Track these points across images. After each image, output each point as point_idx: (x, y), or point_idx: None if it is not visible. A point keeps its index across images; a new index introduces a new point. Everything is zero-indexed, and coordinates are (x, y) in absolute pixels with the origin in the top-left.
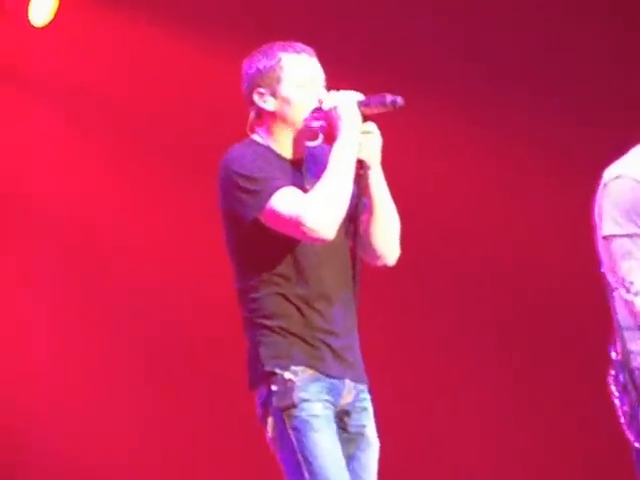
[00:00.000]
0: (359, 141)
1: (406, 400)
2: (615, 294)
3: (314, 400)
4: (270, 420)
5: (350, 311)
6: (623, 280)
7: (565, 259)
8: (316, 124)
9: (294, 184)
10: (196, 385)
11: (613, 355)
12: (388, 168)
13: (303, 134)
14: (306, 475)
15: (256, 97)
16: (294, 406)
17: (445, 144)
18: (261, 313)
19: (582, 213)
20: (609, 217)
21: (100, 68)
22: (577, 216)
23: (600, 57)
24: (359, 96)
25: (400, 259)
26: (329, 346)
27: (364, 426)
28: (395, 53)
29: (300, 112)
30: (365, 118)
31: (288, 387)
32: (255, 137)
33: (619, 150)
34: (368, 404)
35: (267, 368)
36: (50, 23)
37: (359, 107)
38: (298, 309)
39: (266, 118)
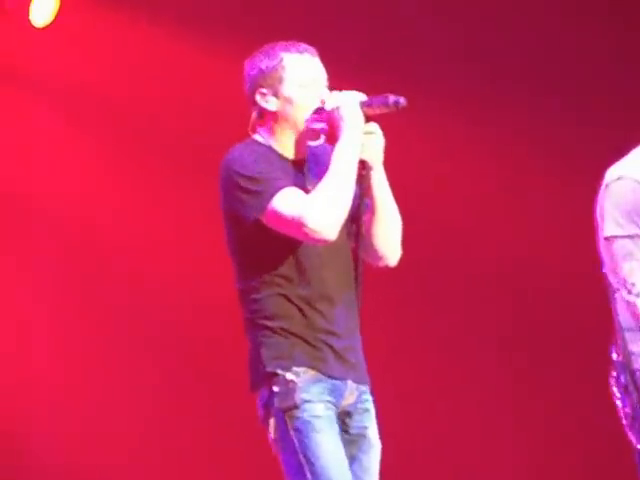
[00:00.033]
0: (361, 142)
1: (408, 401)
2: (616, 295)
3: (316, 401)
4: (272, 421)
5: (352, 312)
6: (625, 281)
7: (567, 259)
8: (318, 126)
9: (296, 184)
10: (196, 385)
11: (614, 356)
12: (389, 169)
13: (305, 134)
14: (308, 476)
15: (258, 97)
16: (296, 407)
17: (446, 144)
18: (263, 314)
19: (583, 213)
20: (610, 218)
21: (101, 68)
22: (578, 216)
23: (601, 57)
24: (362, 96)
25: (401, 259)
26: (331, 347)
27: (366, 427)
28: (396, 53)
29: (302, 112)
30: (368, 119)
31: (290, 388)
32: (257, 137)
33: (620, 150)
34: (370, 405)
35: (269, 369)
36: (51, 23)
37: (362, 108)
38: (300, 310)
39: (268, 118)
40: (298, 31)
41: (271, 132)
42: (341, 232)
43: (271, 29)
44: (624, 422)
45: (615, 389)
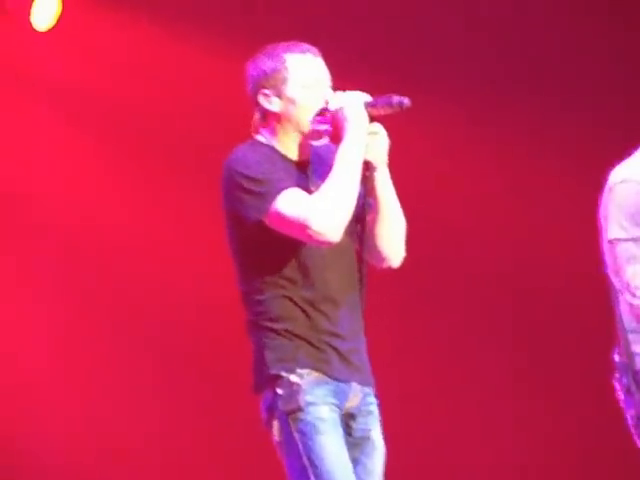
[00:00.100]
0: (366, 142)
1: (410, 401)
2: (620, 297)
3: (320, 403)
4: (275, 424)
5: (356, 314)
6: (628, 285)
7: (570, 260)
8: (322, 127)
9: (299, 186)
10: (197, 385)
11: (617, 358)
12: (392, 169)
13: (308, 135)
14: (312, 479)
15: (261, 98)
16: (300, 409)
17: (448, 144)
18: (267, 316)
19: (587, 213)
20: (614, 221)
21: (101, 69)
22: (582, 216)
23: (604, 56)
24: (366, 97)
25: (404, 260)
26: (335, 349)
27: (370, 430)
28: (399, 53)
29: (306, 113)
30: (372, 119)
31: (294, 390)
32: (259, 138)
33: (623, 150)
34: (374, 408)
35: (272, 371)
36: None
37: (366, 108)
38: (304, 312)
39: (271, 119)
40: (300, 31)
41: (274, 133)
42: (345, 233)
43: (273, 29)
44: (629, 423)
45: (619, 391)
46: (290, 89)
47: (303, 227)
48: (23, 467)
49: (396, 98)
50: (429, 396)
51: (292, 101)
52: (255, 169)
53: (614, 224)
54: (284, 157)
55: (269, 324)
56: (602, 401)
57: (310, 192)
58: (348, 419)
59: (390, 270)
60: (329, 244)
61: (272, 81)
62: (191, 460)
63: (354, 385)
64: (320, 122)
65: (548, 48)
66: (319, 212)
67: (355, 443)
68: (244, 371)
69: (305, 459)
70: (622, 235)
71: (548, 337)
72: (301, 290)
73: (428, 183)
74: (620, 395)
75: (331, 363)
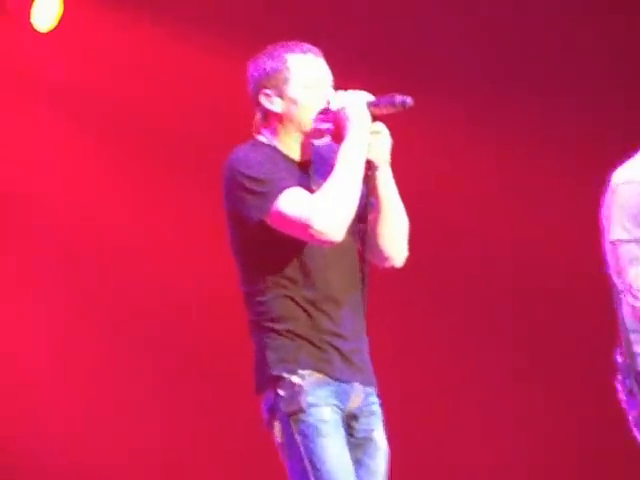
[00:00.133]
0: (368, 141)
1: (410, 401)
2: (621, 297)
3: (322, 405)
4: (277, 425)
5: (358, 314)
6: (630, 286)
7: (570, 260)
8: (324, 126)
9: (301, 185)
10: (197, 385)
11: (619, 359)
12: (394, 168)
13: (310, 135)
14: None
15: (262, 98)
16: (301, 411)
17: (449, 144)
18: (268, 316)
19: (587, 213)
20: (617, 222)
21: (102, 69)
22: (582, 216)
23: (606, 56)
24: (368, 96)
25: (406, 260)
26: (337, 349)
27: (372, 430)
28: (401, 53)
29: (308, 113)
30: (374, 118)
31: (295, 391)
32: (261, 138)
33: (624, 150)
34: (377, 408)
35: (274, 372)
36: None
37: (368, 107)
38: (305, 311)
39: (272, 120)
40: (300, 31)
41: (275, 133)
42: (347, 232)
43: (273, 29)
44: (631, 424)
45: (621, 392)
46: (292, 89)
47: (305, 226)
48: (23, 467)
49: (399, 97)
50: (429, 396)
51: (294, 101)
52: (257, 169)
53: (617, 225)
54: (286, 157)
55: (271, 324)
56: (602, 401)
57: (312, 192)
58: (350, 420)
59: (390, 270)
60: (331, 243)
61: (273, 81)
62: (191, 460)
63: (356, 385)
64: (322, 121)
65: (548, 48)
66: (321, 211)
67: (358, 444)
68: (244, 371)
69: (306, 461)
70: (625, 236)
71: (548, 337)
72: (303, 290)
73: (428, 183)
74: (622, 396)
75: (333, 363)
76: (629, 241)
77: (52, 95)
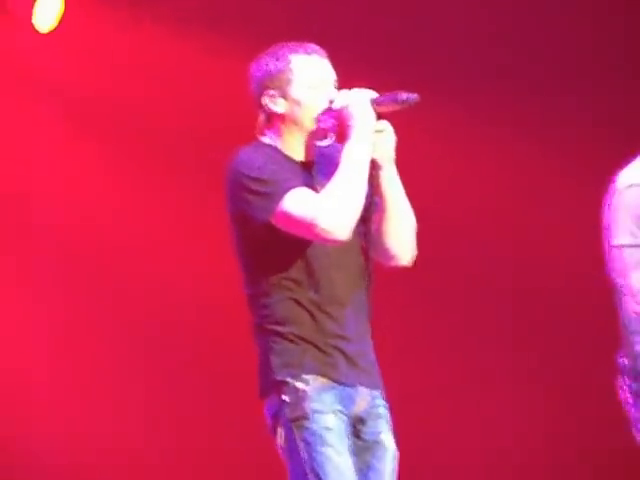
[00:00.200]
0: (372, 140)
1: (410, 401)
2: (623, 298)
3: (326, 411)
4: (280, 431)
5: (362, 315)
6: (632, 291)
7: (573, 260)
8: (328, 123)
9: (305, 186)
10: (197, 385)
11: (621, 360)
12: (398, 167)
13: (314, 135)
14: None
15: (266, 99)
16: (305, 417)
17: (450, 144)
18: (272, 319)
19: (590, 213)
20: (621, 226)
21: (103, 69)
22: (584, 216)
23: (612, 56)
24: (372, 94)
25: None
26: (342, 352)
27: (380, 433)
28: (407, 52)
29: (311, 114)
30: (379, 116)
31: (299, 397)
32: (264, 139)
33: (627, 150)
34: (384, 411)
35: (278, 377)
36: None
37: (372, 105)
38: (310, 314)
39: (276, 120)
40: (303, 31)
41: (279, 134)
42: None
43: (276, 29)
44: (634, 425)
45: (622, 394)
46: (295, 90)
47: (311, 226)
48: (23, 467)
49: (403, 94)
50: (429, 396)
51: (297, 102)
52: (261, 170)
53: (621, 229)
54: (289, 158)
55: (275, 327)
56: (603, 401)
57: (316, 192)
58: (357, 423)
59: (390, 270)
60: (338, 242)
61: (277, 82)
62: (191, 460)
63: (361, 389)
64: (326, 118)
65: (559, 47)
66: (326, 210)
67: (366, 447)
68: (244, 371)
69: (308, 469)
70: (629, 241)
71: (548, 337)
72: (307, 292)
73: (427, 183)
74: (624, 398)
75: (338, 367)
76: (633, 246)
77: (52, 95)
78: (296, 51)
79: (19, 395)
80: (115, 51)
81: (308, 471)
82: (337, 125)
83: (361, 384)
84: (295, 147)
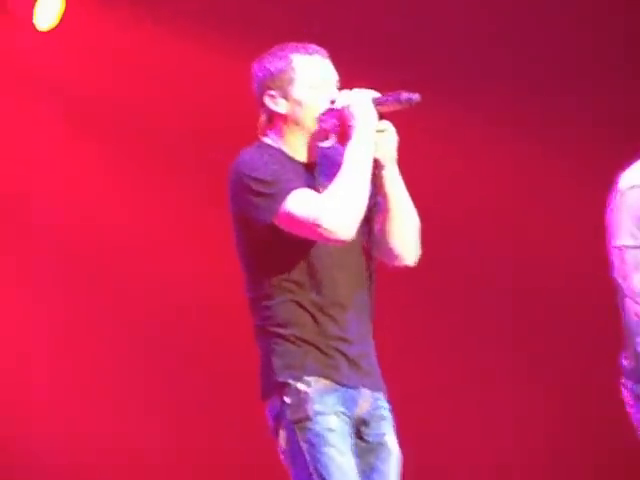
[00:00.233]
0: (375, 139)
1: (410, 401)
2: (626, 299)
3: (329, 413)
4: (282, 433)
5: (364, 316)
6: (633, 293)
7: (573, 260)
8: (330, 123)
9: (308, 186)
10: (197, 385)
11: (624, 362)
12: (399, 167)
13: (315, 136)
14: None
15: (267, 99)
16: (308, 419)
17: (450, 144)
18: (275, 321)
19: (590, 213)
20: (624, 227)
21: (103, 69)
22: (585, 216)
23: (616, 57)
24: (374, 94)
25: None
26: (344, 354)
27: (383, 434)
28: (408, 52)
29: (312, 114)
30: (381, 116)
31: (302, 399)
32: (266, 140)
33: (627, 150)
34: (387, 412)
35: (280, 379)
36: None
37: (374, 105)
38: (312, 316)
39: (277, 121)
40: (303, 30)
41: (281, 135)
42: None
43: (276, 28)
44: (637, 425)
45: (626, 395)
46: (297, 90)
47: (314, 226)
48: (23, 467)
49: (405, 94)
50: (429, 396)
51: (298, 102)
52: (263, 171)
53: (623, 230)
54: (291, 159)
55: (277, 329)
56: (603, 402)
57: (319, 193)
58: (360, 425)
59: (390, 270)
60: (341, 242)
61: (278, 82)
62: (191, 460)
63: (363, 391)
64: (328, 118)
65: (563, 48)
66: (330, 210)
67: (370, 449)
68: (244, 371)
69: (312, 470)
70: (631, 242)
71: (548, 337)
72: (309, 294)
73: (427, 183)
74: (627, 399)
75: (340, 369)
76: (635, 247)
77: (52, 94)
78: (298, 51)
79: (19, 395)
80: (115, 51)
81: (311, 471)
82: (339, 125)
83: (364, 386)
84: (297, 147)
